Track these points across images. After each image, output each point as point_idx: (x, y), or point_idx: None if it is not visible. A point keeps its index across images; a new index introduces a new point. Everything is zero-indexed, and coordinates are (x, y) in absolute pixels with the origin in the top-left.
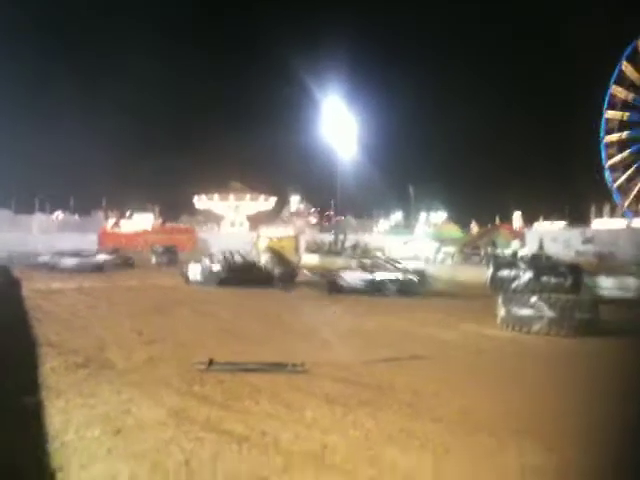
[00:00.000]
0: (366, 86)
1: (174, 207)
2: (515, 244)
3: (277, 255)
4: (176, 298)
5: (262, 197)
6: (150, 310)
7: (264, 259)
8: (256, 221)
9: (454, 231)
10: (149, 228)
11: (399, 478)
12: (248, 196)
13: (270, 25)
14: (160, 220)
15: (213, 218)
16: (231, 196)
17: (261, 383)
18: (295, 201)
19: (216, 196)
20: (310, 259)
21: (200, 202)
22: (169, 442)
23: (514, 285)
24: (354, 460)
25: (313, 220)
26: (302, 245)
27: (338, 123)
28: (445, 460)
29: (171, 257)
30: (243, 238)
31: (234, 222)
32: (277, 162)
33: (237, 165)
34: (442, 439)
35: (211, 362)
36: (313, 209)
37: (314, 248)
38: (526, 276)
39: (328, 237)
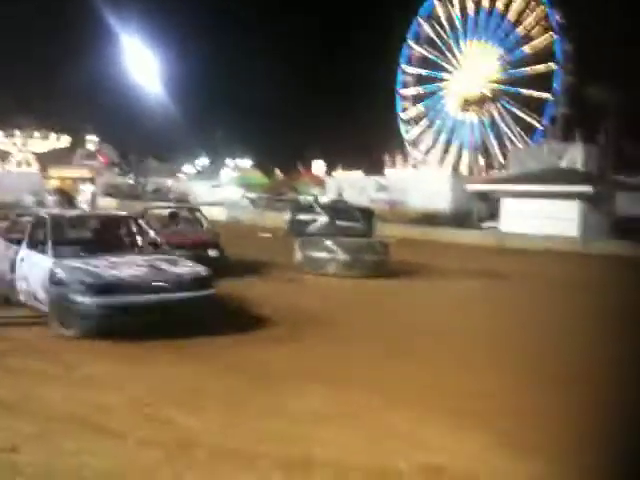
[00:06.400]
0: (175, 25)
1: None
2: (316, 190)
3: (66, 197)
4: None
5: (54, 135)
6: None
7: (51, 200)
8: (48, 161)
9: (259, 177)
10: None
11: None
12: (37, 133)
13: None
14: None
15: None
16: (17, 132)
17: None
18: (91, 141)
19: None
20: (107, 203)
21: None
22: None
23: (310, 228)
24: None
25: (112, 162)
26: (99, 188)
27: (142, 61)
28: None
29: None
30: (33, 178)
31: (21, 161)
32: (73, 98)
33: (26, 98)
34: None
35: None
36: (112, 150)
37: (112, 191)
38: (322, 220)
39: (128, 180)
